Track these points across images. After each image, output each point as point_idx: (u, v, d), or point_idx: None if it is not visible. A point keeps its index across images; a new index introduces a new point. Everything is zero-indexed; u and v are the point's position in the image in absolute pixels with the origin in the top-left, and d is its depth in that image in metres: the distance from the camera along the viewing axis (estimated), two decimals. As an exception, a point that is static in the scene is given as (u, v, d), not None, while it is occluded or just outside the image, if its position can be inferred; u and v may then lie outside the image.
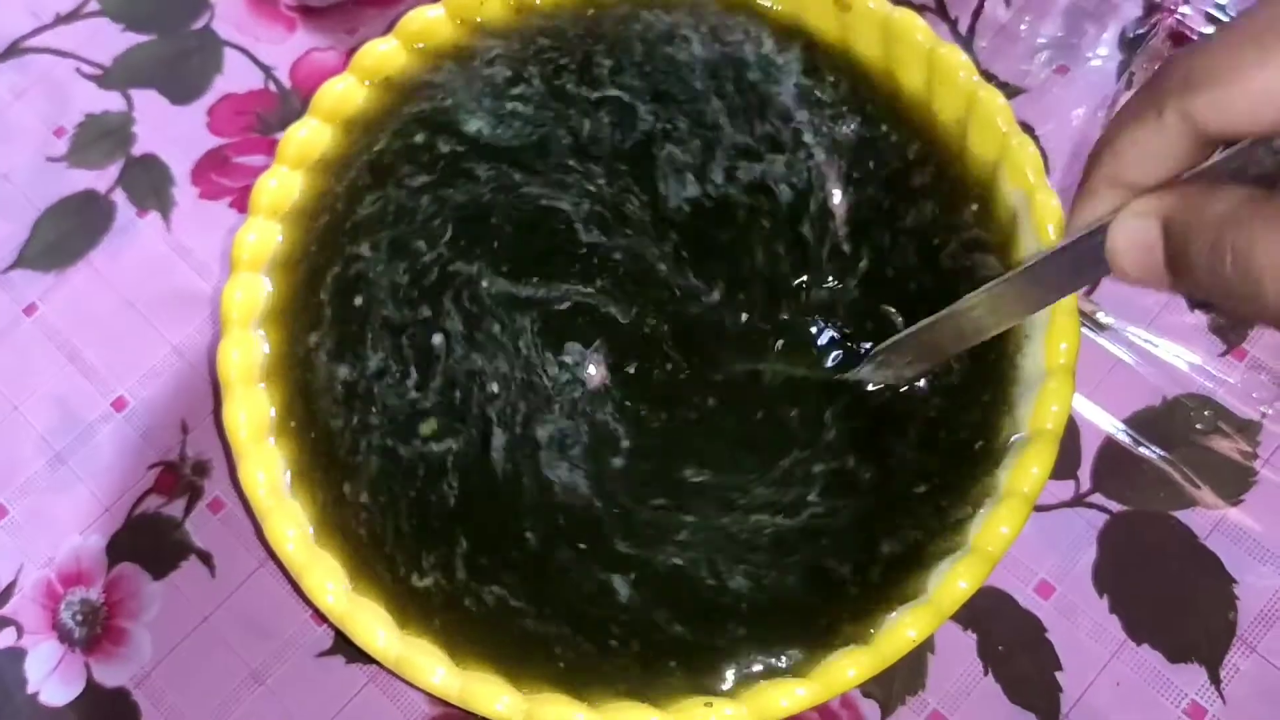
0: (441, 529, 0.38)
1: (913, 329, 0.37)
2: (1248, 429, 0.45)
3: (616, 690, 0.35)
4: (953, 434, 0.38)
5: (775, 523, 0.38)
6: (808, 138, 0.42)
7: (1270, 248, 0.23)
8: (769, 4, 0.43)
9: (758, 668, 0.36)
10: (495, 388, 0.39)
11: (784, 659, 0.36)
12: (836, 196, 0.42)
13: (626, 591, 0.37)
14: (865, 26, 0.42)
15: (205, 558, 0.45)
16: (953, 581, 0.35)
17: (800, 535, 0.38)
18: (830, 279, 0.41)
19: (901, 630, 0.35)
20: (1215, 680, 0.42)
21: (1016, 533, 0.35)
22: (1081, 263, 0.29)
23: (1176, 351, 0.46)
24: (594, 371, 0.40)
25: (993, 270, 0.40)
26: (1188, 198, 0.26)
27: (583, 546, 0.38)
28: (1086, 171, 0.29)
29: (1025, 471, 0.36)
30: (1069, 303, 0.38)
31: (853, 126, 0.42)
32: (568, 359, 0.40)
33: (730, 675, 0.35)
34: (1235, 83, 0.25)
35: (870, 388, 0.39)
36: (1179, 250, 0.25)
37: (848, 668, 0.34)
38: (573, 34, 0.44)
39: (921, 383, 0.39)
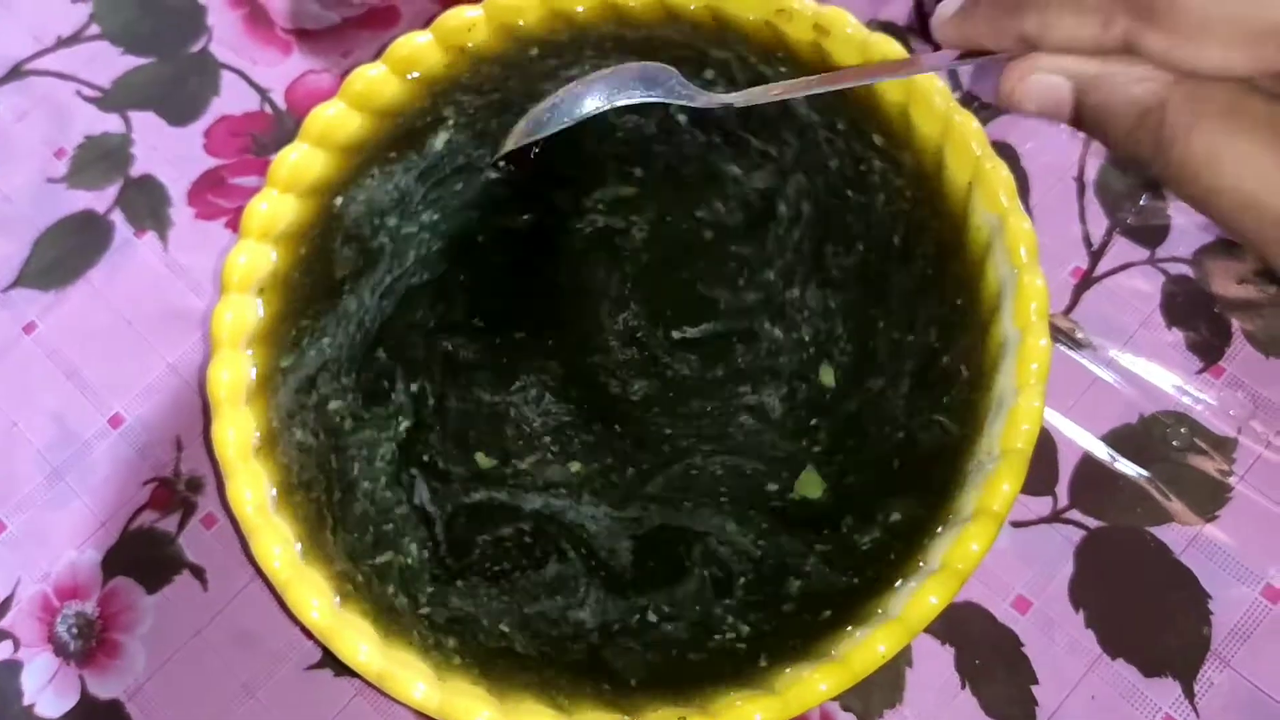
0: (423, 544, 0.39)
1: (789, 93, 0.37)
2: (1224, 446, 0.45)
3: (594, 702, 0.36)
4: (923, 451, 0.39)
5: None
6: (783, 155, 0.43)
7: (1207, 129, 0.26)
8: (750, 27, 0.44)
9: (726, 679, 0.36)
10: (478, 406, 0.40)
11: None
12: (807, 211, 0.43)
13: (601, 610, 0.38)
14: (843, 51, 0.43)
15: (198, 572, 0.46)
16: (923, 597, 0.35)
17: (772, 544, 0.38)
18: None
19: (872, 645, 0.35)
20: (1189, 694, 0.42)
21: (986, 550, 0.36)
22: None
23: (1154, 369, 0.47)
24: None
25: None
26: (1116, 64, 0.27)
27: (567, 559, 0.38)
28: (1004, 9, 0.29)
29: (996, 489, 0.37)
30: (1040, 324, 0.38)
31: (832, 150, 0.43)
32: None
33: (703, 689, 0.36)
34: (1195, 40, 0.26)
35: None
36: (1097, 109, 0.28)
37: (819, 682, 0.35)
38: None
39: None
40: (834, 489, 0.40)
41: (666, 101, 0.39)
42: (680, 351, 0.43)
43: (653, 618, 0.38)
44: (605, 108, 0.38)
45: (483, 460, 0.41)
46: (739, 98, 0.38)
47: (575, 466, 0.41)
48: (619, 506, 0.40)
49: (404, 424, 0.41)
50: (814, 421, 0.41)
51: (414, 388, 0.42)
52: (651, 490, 0.40)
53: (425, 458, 0.41)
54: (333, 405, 0.41)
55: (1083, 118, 0.29)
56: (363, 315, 0.42)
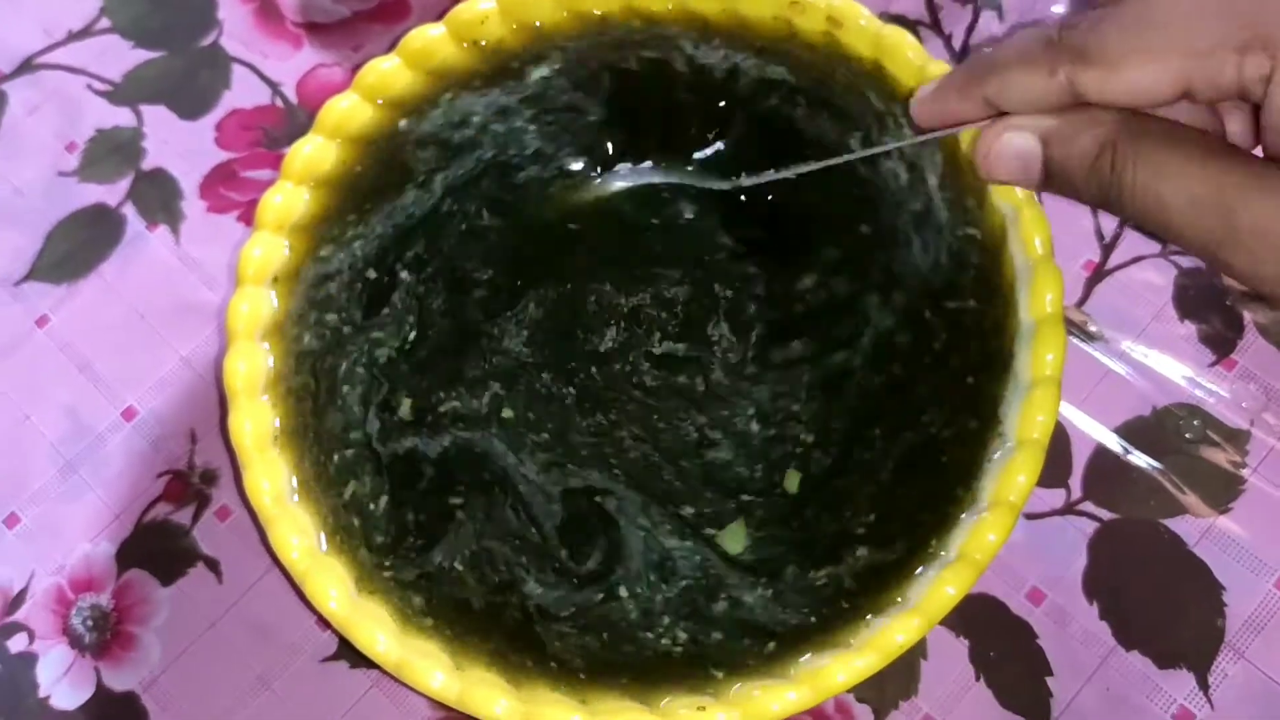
0: (444, 532, 0.39)
1: (787, 172, 0.40)
2: (1236, 438, 0.46)
3: (614, 692, 0.36)
4: (940, 441, 0.39)
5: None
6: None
7: (1145, 155, 0.29)
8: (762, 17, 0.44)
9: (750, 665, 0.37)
10: (498, 389, 0.41)
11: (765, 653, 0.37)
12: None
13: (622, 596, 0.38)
14: (856, 43, 0.43)
15: (213, 564, 0.46)
16: (940, 588, 0.36)
17: (788, 542, 0.39)
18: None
19: (890, 635, 0.35)
20: (1204, 686, 0.42)
21: (1003, 540, 0.36)
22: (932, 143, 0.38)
23: (1167, 362, 0.47)
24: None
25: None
26: (1069, 120, 0.31)
27: (584, 549, 0.39)
28: (967, 76, 0.33)
29: (1012, 480, 0.37)
30: (1055, 314, 0.38)
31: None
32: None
33: (719, 674, 0.36)
34: (1121, 70, 0.29)
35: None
36: (1060, 159, 0.31)
37: (837, 672, 0.35)
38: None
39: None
40: (847, 477, 0.40)
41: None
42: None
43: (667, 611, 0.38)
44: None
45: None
46: (750, 180, 0.41)
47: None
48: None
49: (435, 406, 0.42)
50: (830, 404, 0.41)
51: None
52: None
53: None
54: (358, 388, 0.41)
55: (1048, 173, 0.32)
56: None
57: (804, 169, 0.39)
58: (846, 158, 0.40)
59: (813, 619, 0.38)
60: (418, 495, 0.41)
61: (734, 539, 0.41)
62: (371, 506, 0.40)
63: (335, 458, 0.40)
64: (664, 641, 0.38)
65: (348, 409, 0.41)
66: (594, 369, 0.44)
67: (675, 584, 0.40)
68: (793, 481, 0.42)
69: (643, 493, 0.42)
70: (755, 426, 0.43)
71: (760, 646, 0.37)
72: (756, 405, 0.43)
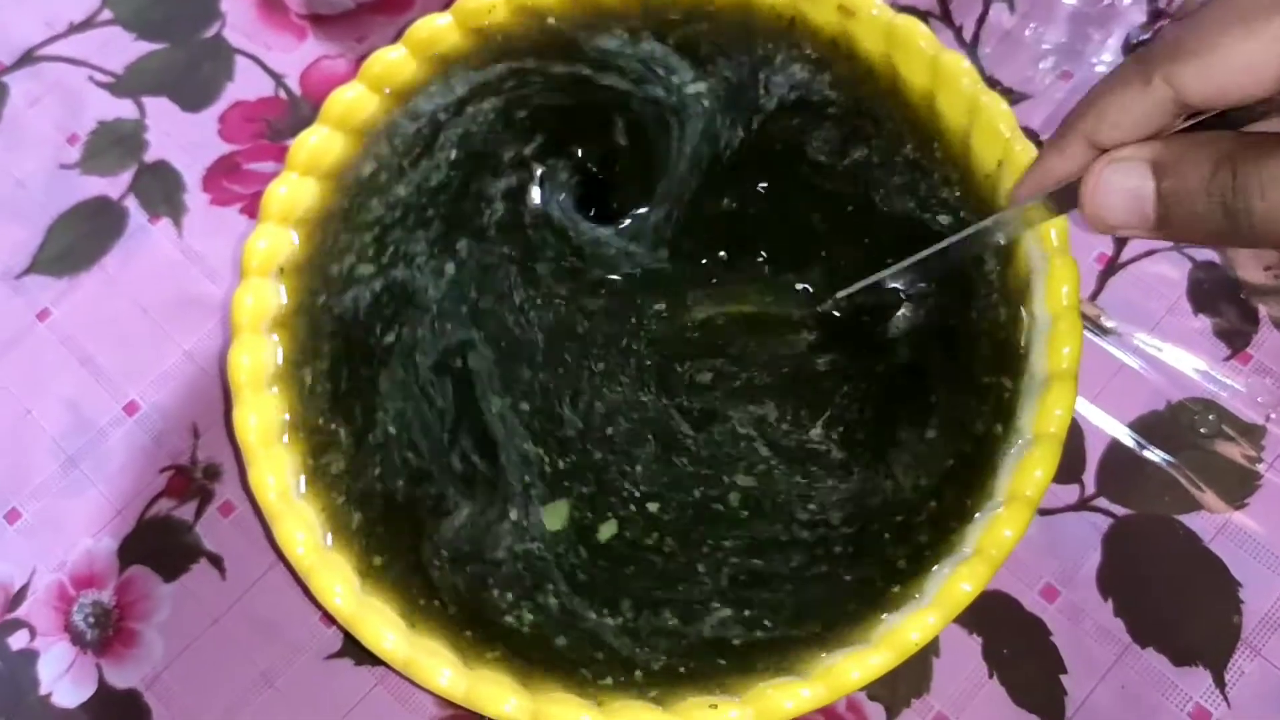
0: (447, 527, 0.39)
1: (870, 279, 0.39)
2: (1252, 433, 0.45)
3: (623, 688, 0.36)
4: (956, 437, 0.39)
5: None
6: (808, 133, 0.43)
7: (1270, 170, 0.26)
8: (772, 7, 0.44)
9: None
10: (512, 383, 0.40)
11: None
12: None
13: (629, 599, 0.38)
14: (868, 32, 0.42)
15: (216, 560, 0.46)
16: (955, 584, 0.35)
17: (801, 538, 0.38)
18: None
19: (905, 633, 0.35)
20: (1220, 683, 0.42)
21: (1019, 536, 0.36)
22: (1043, 213, 0.34)
23: (1181, 356, 0.46)
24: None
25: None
26: (1178, 143, 0.28)
27: (592, 547, 0.38)
28: (1062, 129, 0.31)
29: (1028, 475, 0.36)
30: (1071, 307, 0.38)
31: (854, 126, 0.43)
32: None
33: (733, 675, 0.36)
34: (1220, 55, 0.27)
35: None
36: (1174, 189, 0.28)
37: (851, 670, 0.35)
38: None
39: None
40: (864, 472, 0.39)
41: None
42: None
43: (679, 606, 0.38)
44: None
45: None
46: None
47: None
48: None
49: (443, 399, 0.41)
50: (847, 400, 0.41)
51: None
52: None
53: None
54: (365, 383, 0.41)
55: (1163, 209, 0.29)
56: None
57: (903, 265, 0.38)
58: (944, 243, 0.37)
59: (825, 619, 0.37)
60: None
61: (555, 516, 0.40)
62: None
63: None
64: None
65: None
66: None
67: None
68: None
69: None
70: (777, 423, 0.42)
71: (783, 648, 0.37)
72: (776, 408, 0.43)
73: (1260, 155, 0.27)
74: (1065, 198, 0.33)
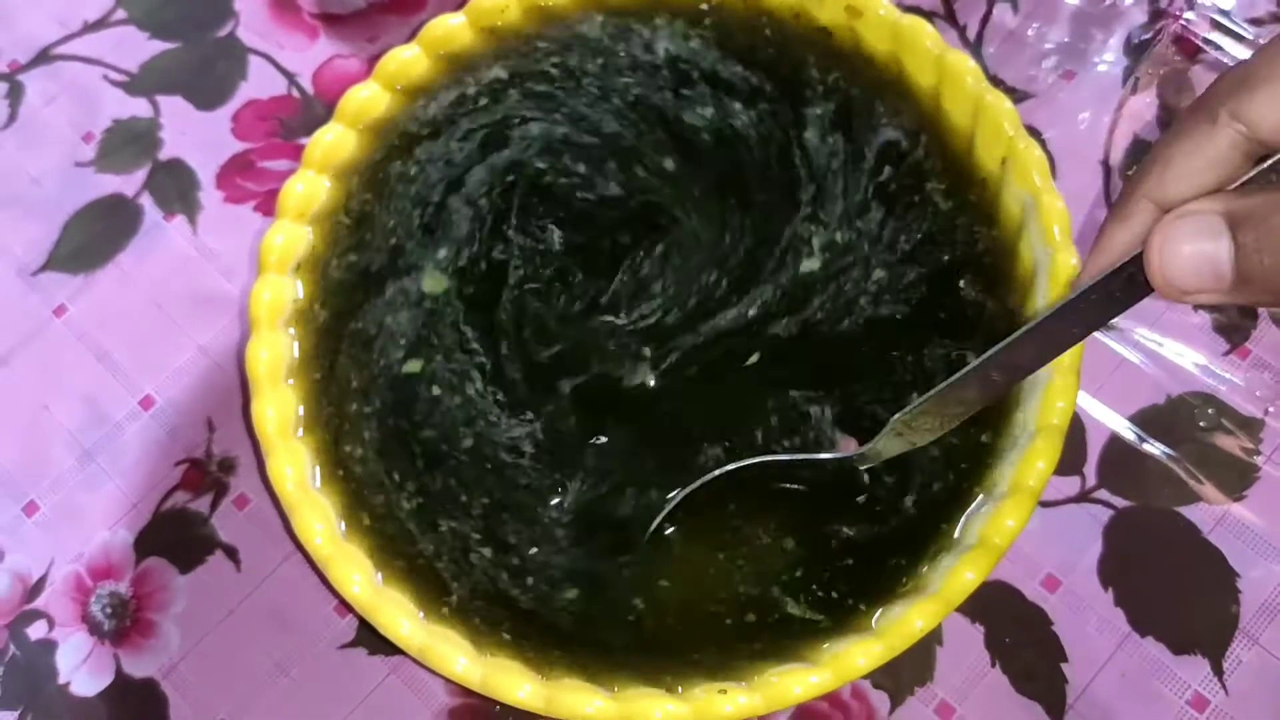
0: (466, 515, 0.39)
1: (937, 389, 0.34)
2: (1250, 426, 0.46)
3: (633, 674, 0.36)
4: (959, 430, 0.39)
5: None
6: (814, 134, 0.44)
7: None
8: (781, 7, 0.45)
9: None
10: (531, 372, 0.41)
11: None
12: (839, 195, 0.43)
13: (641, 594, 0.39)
14: (875, 32, 0.43)
15: (231, 552, 0.47)
16: (959, 573, 0.36)
17: (808, 528, 0.39)
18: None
19: (909, 621, 0.35)
20: (1218, 672, 0.42)
21: (1022, 526, 0.36)
22: (1113, 295, 0.28)
23: (1181, 350, 0.47)
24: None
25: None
26: (1256, 193, 0.25)
27: (612, 534, 0.39)
28: (1123, 196, 0.28)
29: (1031, 466, 0.37)
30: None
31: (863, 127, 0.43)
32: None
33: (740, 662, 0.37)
34: None
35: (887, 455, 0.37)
36: (1254, 242, 0.24)
37: (857, 656, 0.35)
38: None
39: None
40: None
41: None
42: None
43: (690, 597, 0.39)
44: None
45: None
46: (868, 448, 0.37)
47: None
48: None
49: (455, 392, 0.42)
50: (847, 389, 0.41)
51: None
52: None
53: None
54: (381, 377, 0.42)
55: (1242, 267, 0.25)
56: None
57: (945, 385, 0.34)
58: (989, 355, 0.32)
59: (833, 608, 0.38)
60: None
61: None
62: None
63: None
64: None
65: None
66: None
67: None
68: None
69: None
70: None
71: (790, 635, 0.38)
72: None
73: None
74: (1128, 285, 0.28)
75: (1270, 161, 0.26)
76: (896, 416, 0.36)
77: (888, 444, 0.37)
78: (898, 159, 0.43)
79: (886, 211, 0.43)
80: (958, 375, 0.33)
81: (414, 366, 0.42)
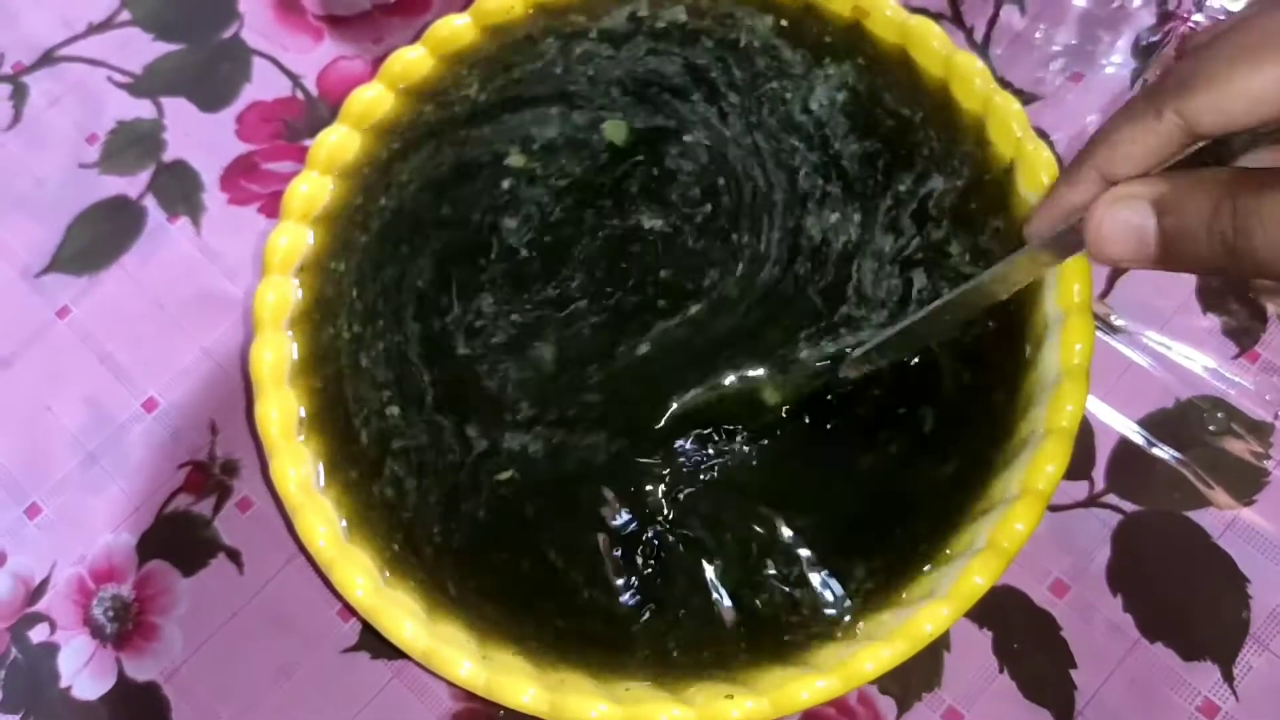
0: (472, 521, 0.39)
1: (897, 326, 0.38)
2: (1260, 430, 0.45)
3: (638, 678, 0.36)
4: (968, 433, 0.39)
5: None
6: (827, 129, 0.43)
7: (1270, 207, 0.27)
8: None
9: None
10: (529, 375, 0.41)
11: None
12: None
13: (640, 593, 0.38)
14: (883, 33, 0.43)
15: (234, 555, 0.46)
16: (968, 578, 0.36)
17: (817, 529, 0.38)
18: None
19: (918, 625, 0.35)
20: (1229, 678, 0.42)
21: (1032, 529, 0.36)
22: (1058, 249, 0.33)
23: (1189, 354, 0.47)
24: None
25: None
26: (1180, 180, 0.29)
27: (616, 534, 0.39)
28: (1075, 163, 0.32)
29: (1040, 469, 0.37)
30: (1083, 304, 0.38)
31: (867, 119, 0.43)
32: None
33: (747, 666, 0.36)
34: (1229, 88, 0.28)
35: (844, 375, 0.40)
36: (1175, 226, 0.29)
37: (865, 661, 0.35)
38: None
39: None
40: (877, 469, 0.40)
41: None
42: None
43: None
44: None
45: None
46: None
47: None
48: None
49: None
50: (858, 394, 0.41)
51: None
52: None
53: None
54: (383, 377, 0.41)
55: (1165, 244, 0.29)
56: None
57: (914, 319, 0.38)
58: (959, 290, 0.37)
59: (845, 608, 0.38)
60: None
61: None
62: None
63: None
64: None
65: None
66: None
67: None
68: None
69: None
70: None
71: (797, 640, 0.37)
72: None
73: (1260, 191, 0.27)
74: (1069, 242, 0.33)
75: (1199, 147, 0.30)
76: (862, 347, 0.39)
77: (851, 367, 0.40)
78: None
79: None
80: (916, 316, 0.38)
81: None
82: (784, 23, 0.44)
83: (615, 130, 0.43)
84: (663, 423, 0.40)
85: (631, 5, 0.45)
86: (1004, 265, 0.35)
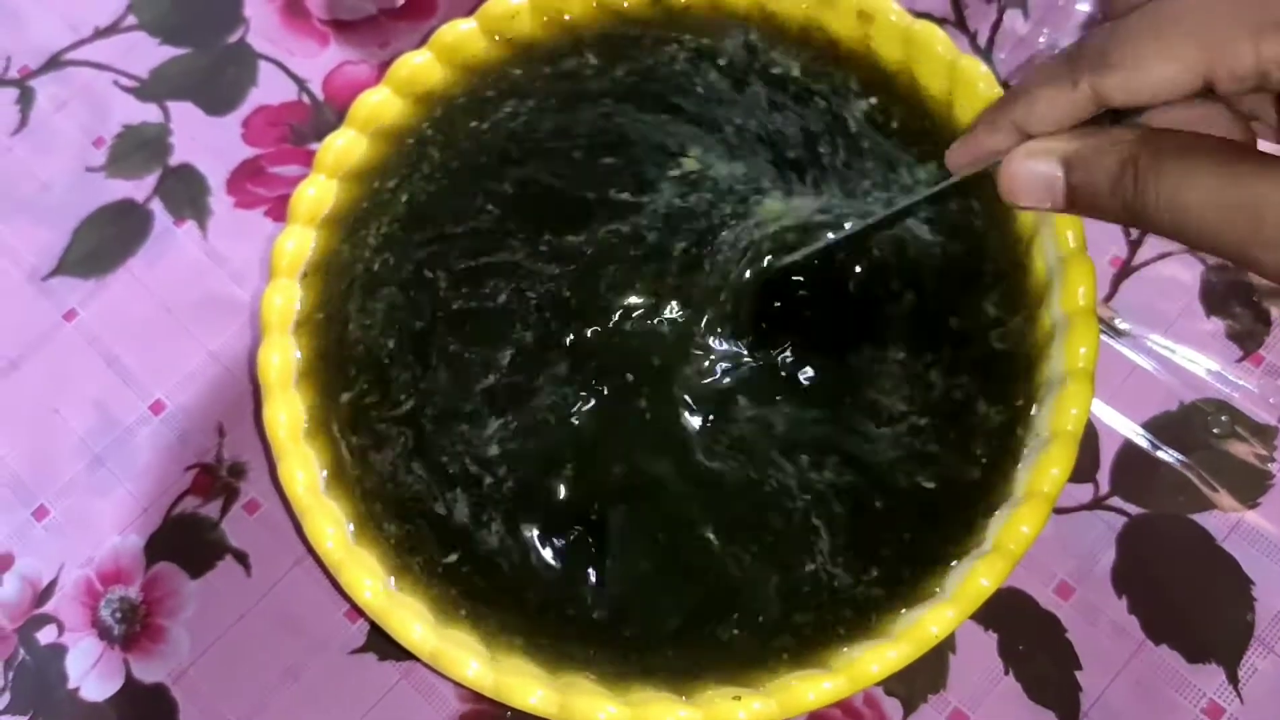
0: (478, 518, 0.39)
1: (823, 243, 0.41)
2: (1264, 433, 0.46)
3: (646, 679, 0.36)
4: (974, 436, 0.39)
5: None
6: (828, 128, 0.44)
7: (1165, 175, 0.29)
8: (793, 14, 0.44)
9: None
10: (538, 379, 0.41)
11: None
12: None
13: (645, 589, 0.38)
14: (886, 38, 0.43)
15: (241, 557, 0.47)
16: (974, 580, 0.36)
17: (822, 529, 0.39)
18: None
19: (924, 627, 0.35)
20: (1233, 680, 0.42)
21: (1037, 532, 0.36)
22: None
23: (1194, 357, 0.47)
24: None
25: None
26: (1089, 139, 0.31)
27: (621, 539, 0.39)
28: (995, 108, 0.34)
29: (1045, 472, 0.37)
30: (1088, 308, 0.38)
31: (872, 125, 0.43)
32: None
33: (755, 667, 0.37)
34: (1138, 73, 0.30)
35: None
36: (1082, 181, 0.31)
37: (871, 663, 0.35)
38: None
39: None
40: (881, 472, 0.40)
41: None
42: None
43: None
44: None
45: None
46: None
47: None
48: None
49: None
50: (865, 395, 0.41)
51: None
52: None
53: None
54: (389, 380, 0.41)
55: (1072, 197, 0.32)
56: None
57: (840, 235, 0.40)
58: (879, 215, 0.40)
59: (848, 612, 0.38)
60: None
61: None
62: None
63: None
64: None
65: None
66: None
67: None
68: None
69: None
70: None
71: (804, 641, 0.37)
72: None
73: (1158, 157, 0.30)
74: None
75: (1104, 110, 0.32)
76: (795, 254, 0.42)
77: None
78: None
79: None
80: (837, 236, 0.41)
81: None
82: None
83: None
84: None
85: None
86: (934, 189, 0.40)
